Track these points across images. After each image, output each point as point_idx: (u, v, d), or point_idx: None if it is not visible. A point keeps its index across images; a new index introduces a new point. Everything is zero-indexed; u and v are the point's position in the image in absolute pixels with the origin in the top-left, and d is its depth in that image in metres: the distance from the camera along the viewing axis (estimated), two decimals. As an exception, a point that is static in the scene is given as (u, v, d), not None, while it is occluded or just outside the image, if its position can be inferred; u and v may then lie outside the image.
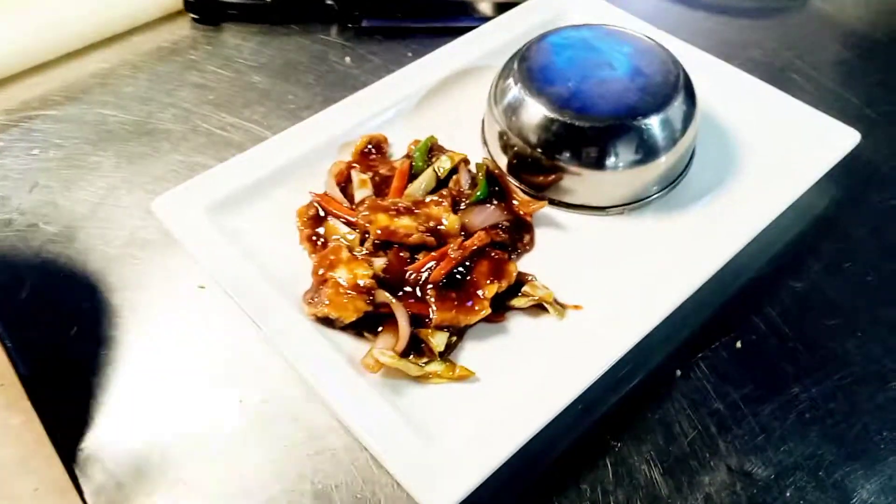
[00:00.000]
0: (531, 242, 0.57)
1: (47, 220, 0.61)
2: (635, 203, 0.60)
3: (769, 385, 0.51)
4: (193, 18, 0.81)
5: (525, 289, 0.53)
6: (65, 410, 0.49)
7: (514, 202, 0.59)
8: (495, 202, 0.58)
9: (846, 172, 0.62)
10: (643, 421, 0.49)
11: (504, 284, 0.52)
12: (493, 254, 0.53)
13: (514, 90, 0.60)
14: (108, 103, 0.71)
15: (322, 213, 0.58)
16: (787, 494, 0.46)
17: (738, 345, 0.53)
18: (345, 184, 0.60)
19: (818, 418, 0.49)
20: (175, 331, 0.54)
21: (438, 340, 0.49)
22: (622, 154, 0.57)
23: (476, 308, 0.50)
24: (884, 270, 0.57)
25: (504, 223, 0.56)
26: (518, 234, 0.57)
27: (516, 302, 0.52)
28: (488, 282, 0.52)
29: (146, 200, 0.60)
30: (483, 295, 0.51)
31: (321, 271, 0.52)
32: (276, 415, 0.49)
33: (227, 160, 0.61)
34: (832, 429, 0.49)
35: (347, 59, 0.77)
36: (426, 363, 0.49)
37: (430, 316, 0.50)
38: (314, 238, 0.57)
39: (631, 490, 0.46)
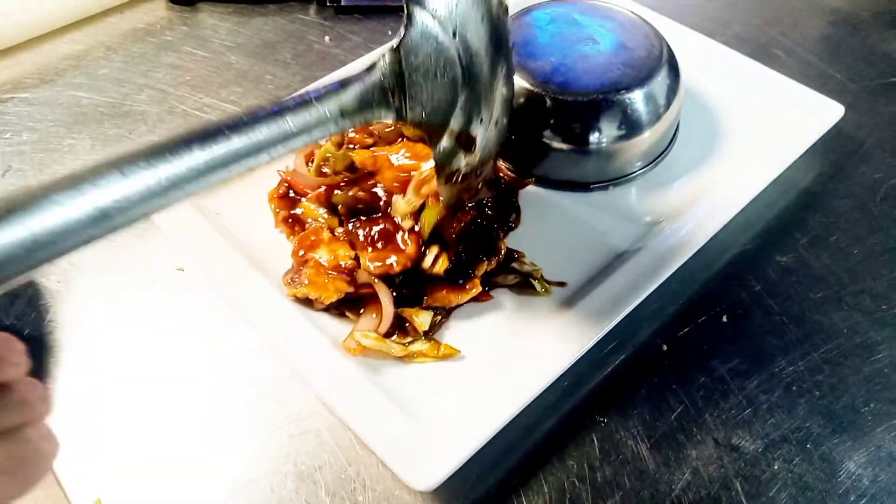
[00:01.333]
0: (517, 220, 0.56)
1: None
2: (619, 179, 0.60)
3: (756, 359, 0.50)
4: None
5: (513, 265, 0.52)
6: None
7: (501, 179, 0.58)
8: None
9: (830, 146, 0.62)
10: (630, 396, 0.48)
11: (494, 262, 0.51)
12: (481, 232, 0.53)
13: (496, 66, 0.59)
14: (83, 85, 0.70)
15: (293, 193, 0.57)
16: (775, 467, 0.45)
17: (725, 319, 0.52)
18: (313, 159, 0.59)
19: (805, 391, 0.49)
20: (154, 314, 0.53)
21: (423, 319, 0.48)
22: (606, 129, 0.57)
23: (467, 287, 0.50)
24: (869, 243, 0.57)
25: (489, 200, 0.55)
26: (505, 211, 0.56)
27: (502, 279, 0.51)
28: (480, 258, 0.51)
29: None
30: (473, 273, 0.50)
31: (301, 252, 0.51)
32: (258, 397, 0.48)
33: (205, 140, 0.59)
34: (819, 401, 0.48)
35: (327, 38, 0.76)
36: (410, 342, 0.48)
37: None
38: (290, 220, 0.56)
39: (618, 465, 0.45)
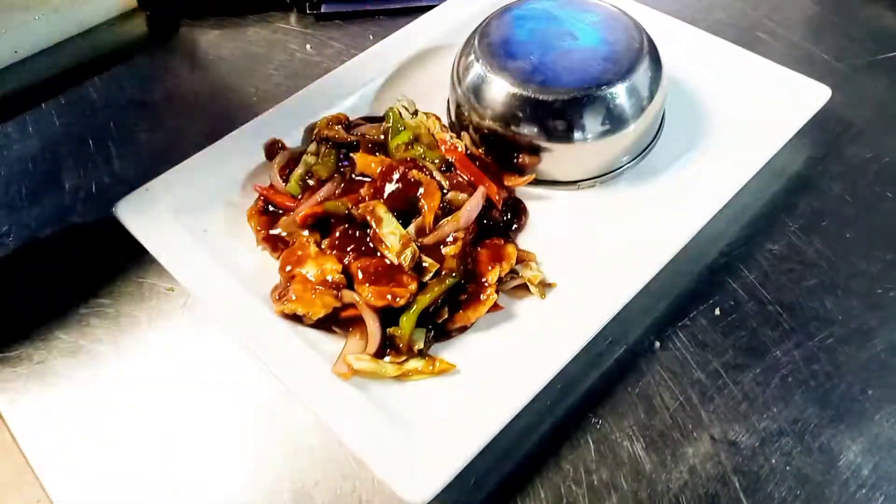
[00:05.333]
0: (525, 220, 0.56)
1: (6, 233, 0.59)
2: (607, 175, 0.59)
3: (750, 351, 0.50)
4: (148, 15, 0.79)
5: (516, 268, 0.52)
6: (42, 424, 0.48)
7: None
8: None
9: (818, 128, 0.61)
10: (624, 395, 0.48)
11: (506, 266, 0.51)
12: (488, 240, 0.53)
13: (477, 67, 0.58)
14: (64, 109, 0.70)
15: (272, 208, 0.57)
16: (773, 461, 0.45)
17: (717, 312, 0.52)
18: (290, 171, 0.58)
19: (801, 381, 0.48)
20: (145, 336, 0.52)
21: (417, 337, 0.48)
22: (590, 125, 0.56)
23: (482, 297, 0.49)
24: (860, 225, 0.57)
25: (496, 205, 0.55)
26: (512, 212, 0.56)
27: (502, 285, 0.51)
28: (490, 267, 0.50)
29: (109, 205, 0.58)
30: (488, 282, 0.50)
31: (288, 268, 0.51)
32: (251, 415, 0.48)
33: (190, 157, 0.59)
34: (816, 391, 0.48)
35: (308, 46, 0.75)
36: (404, 360, 0.47)
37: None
38: (272, 237, 0.55)
39: (614, 467, 0.45)
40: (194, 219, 0.56)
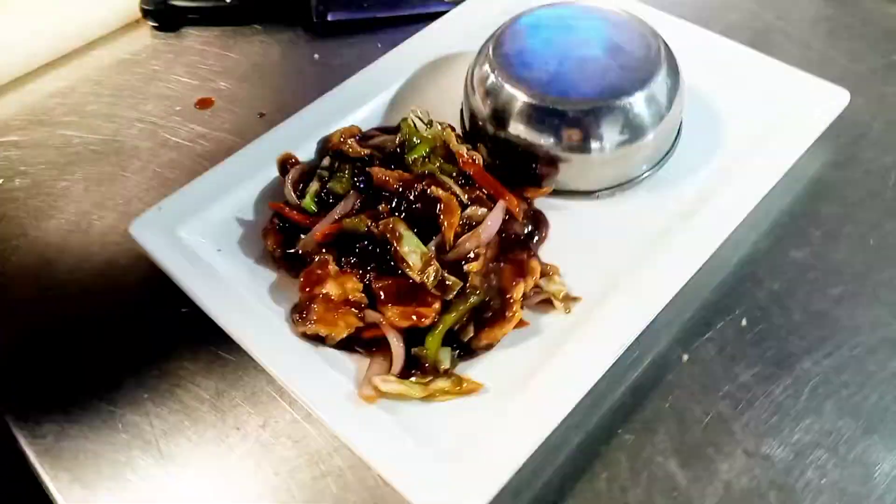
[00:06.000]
0: (547, 232, 0.56)
1: (18, 253, 0.58)
2: (625, 184, 0.58)
3: (779, 362, 0.49)
4: (153, 26, 0.78)
5: (540, 283, 0.51)
6: (53, 446, 0.47)
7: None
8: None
9: (837, 132, 0.60)
10: (654, 410, 0.47)
11: (530, 282, 0.50)
12: (511, 254, 0.52)
13: (492, 78, 0.57)
14: (72, 124, 0.69)
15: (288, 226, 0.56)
16: (808, 474, 0.44)
17: (744, 322, 0.51)
18: (304, 187, 0.57)
19: (832, 392, 0.48)
20: (160, 359, 0.51)
21: (443, 356, 0.47)
22: (609, 135, 0.55)
23: (507, 315, 0.48)
24: (884, 230, 0.56)
25: (516, 218, 0.54)
26: (534, 226, 0.55)
27: (527, 301, 0.50)
28: (514, 283, 0.49)
29: (121, 223, 0.58)
30: (513, 298, 0.49)
31: (308, 287, 0.50)
32: (275, 440, 0.47)
33: (202, 174, 0.58)
34: (847, 401, 0.47)
35: (316, 55, 0.74)
36: (430, 381, 0.47)
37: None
38: (289, 255, 0.54)
39: (648, 484, 0.45)
40: (208, 237, 0.55)
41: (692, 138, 0.61)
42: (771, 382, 0.48)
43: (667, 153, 0.60)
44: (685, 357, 0.50)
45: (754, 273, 0.54)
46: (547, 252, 0.55)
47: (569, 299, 0.51)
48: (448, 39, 0.69)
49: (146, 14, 0.78)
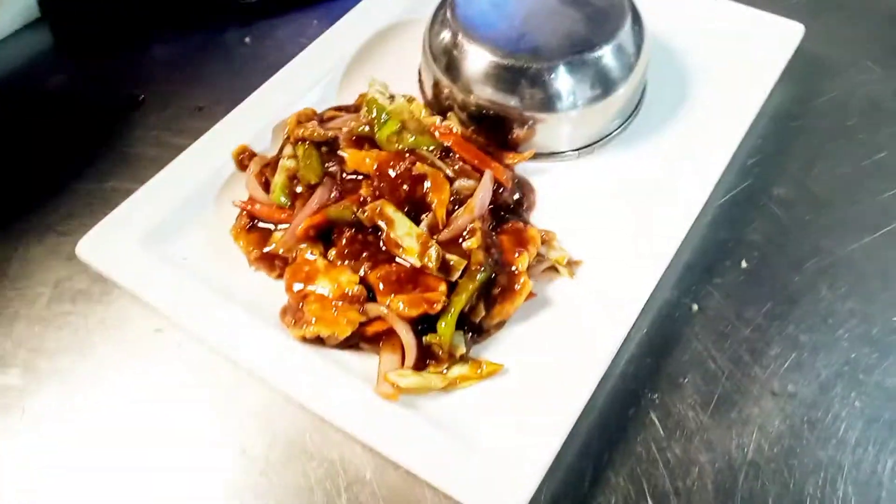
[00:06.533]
0: (534, 197, 0.53)
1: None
2: (602, 140, 0.57)
3: (786, 298, 0.49)
4: (52, 26, 0.69)
5: (541, 251, 0.48)
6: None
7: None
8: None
9: (793, 65, 0.61)
10: (676, 366, 0.46)
11: (533, 251, 0.47)
12: (506, 225, 0.49)
13: (455, 40, 0.54)
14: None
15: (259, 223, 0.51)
16: (836, 407, 0.44)
17: (744, 264, 0.51)
18: (267, 180, 0.53)
19: (841, 322, 0.48)
20: (140, 388, 0.46)
21: (459, 341, 0.44)
22: (583, 90, 0.53)
23: (516, 287, 0.46)
24: (858, 158, 0.57)
25: (502, 189, 0.51)
26: (521, 193, 0.53)
27: (531, 270, 0.48)
28: (517, 254, 0.47)
29: (65, 245, 0.51)
30: (518, 269, 0.46)
31: (297, 287, 0.46)
32: (288, 457, 0.43)
33: (149, 180, 0.52)
34: (857, 328, 0.48)
35: (246, 39, 0.69)
36: (448, 368, 0.44)
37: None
38: (267, 255, 0.50)
39: (685, 441, 0.43)
40: (169, 246, 0.50)
41: (657, 89, 0.60)
42: (783, 321, 0.48)
43: (637, 106, 0.59)
44: (695, 307, 0.49)
45: (742, 215, 0.54)
46: (535, 218, 0.53)
47: (571, 264, 0.49)
48: (392, 8, 0.65)
49: (45, 14, 0.70)
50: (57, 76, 0.66)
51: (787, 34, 0.60)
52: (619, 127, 0.58)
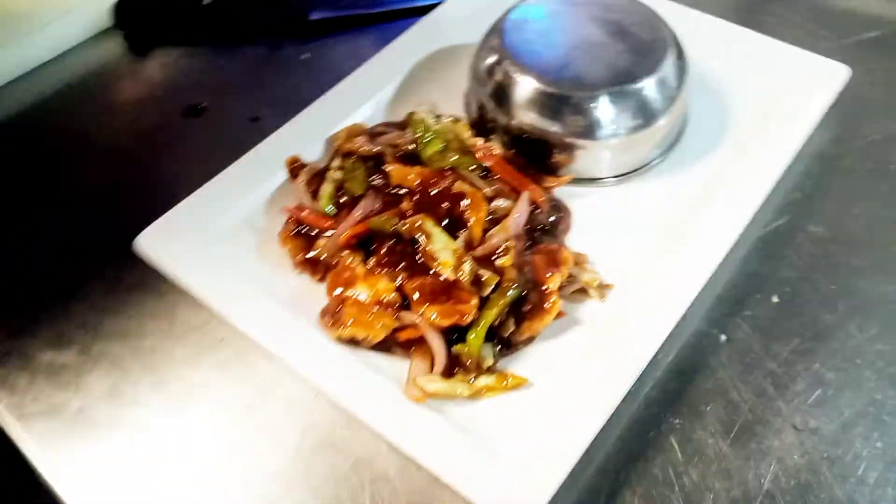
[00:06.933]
0: (569, 221, 0.55)
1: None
2: (640, 169, 0.58)
3: (815, 336, 0.50)
4: (125, 36, 0.74)
5: (573, 272, 0.50)
6: (87, 484, 0.45)
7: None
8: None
9: (837, 106, 0.61)
10: (700, 392, 0.47)
11: (565, 271, 0.49)
12: (541, 246, 0.51)
13: (500, 66, 0.56)
14: (48, 135, 0.65)
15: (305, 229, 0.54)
16: (857, 446, 0.45)
17: (775, 299, 0.51)
18: (316, 188, 0.56)
19: (869, 362, 0.48)
20: (183, 377, 0.49)
21: (487, 353, 0.46)
22: (623, 120, 0.55)
23: (546, 306, 0.47)
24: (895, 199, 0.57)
25: (539, 210, 0.53)
26: (558, 215, 0.54)
27: (562, 291, 0.49)
28: (549, 274, 0.48)
29: (125, 240, 0.55)
30: (549, 289, 0.48)
31: (337, 291, 0.48)
32: (317, 449, 0.45)
33: (206, 184, 0.56)
34: (885, 370, 0.48)
35: (302, 56, 0.72)
36: (475, 378, 0.45)
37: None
38: (310, 260, 0.52)
39: (702, 467, 0.44)
40: (220, 246, 0.53)
41: (699, 121, 0.61)
42: (810, 357, 0.49)
43: (677, 137, 0.60)
44: (723, 338, 0.50)
45: (776, 251, 0.54)
46: (570, 241, 0.54)
47: (602, 287, 0.50)
48: (444, 32, 0.68)
49: (119, 23, 0.74)
50: (126, 81, 0.70)
51: (831, 75, 0.61)
52: (659, 156, 0.59)
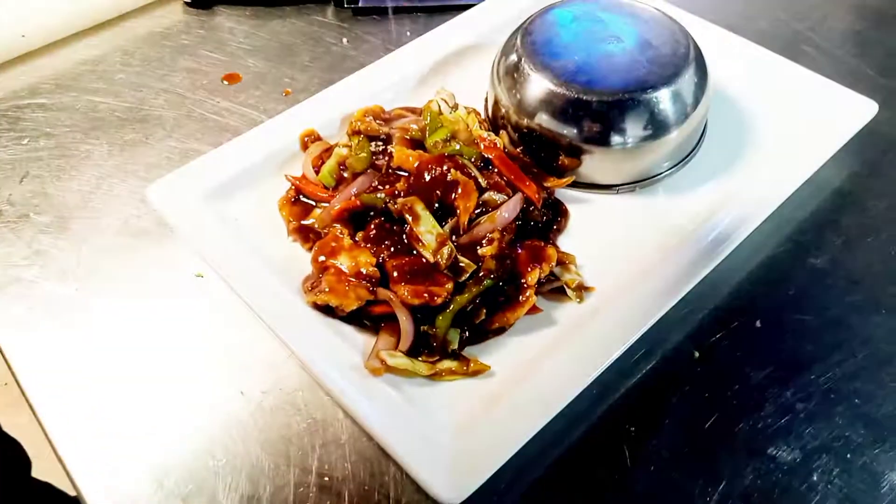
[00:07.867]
0: (566, 222, 0.56)
1: (38, 211, 0.59)
2: (646, 180, 0.58)
3: (791, 365, 0.49)
4: (185, 2, 0.78)
5: (555, 270, 0.50)
6: (63, 408, 0.48)
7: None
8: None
9: (863, 144, 0.60)
10: (661, 405, 0.47)
11: (546, 268, 0.50)
12: (528, 241, 0.52)
13: (519, 66, 0.57)
14: (99, 90, 0.69)
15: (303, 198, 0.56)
16: (814, 478, 0.44)
17: (758, 324, 0.51)
18: (321, 164, 0.58)
19: (843, 398, 0.47)
20: (172, 321, 0.52)
21: (452, 336, 0.47)
22: (633, 129, 0.55)
23: (521, 299, 0.48)
24: (905, 244, 0.55)
25: (533, 208, 0.54)
26: (554, 214, 0.55)
27: (541, 287, 0.50)
28: (530, 268, 0.49)
29: (140, 188, 0.58)
30: (527, 283, 0.49)
31: (322, 258, 0.50)
32: (277, 406, 0.47)
33: (220, 146, 0.59)
34: (858, 409, 0.47)
35: (345, 40, 0.75)
36: (437, 360, 0.46)
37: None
38: (304, 227, 0.54)
39: (650, 478, 0.44)
40: (225, 205, 0.56)
41: (716, 140, 0.61)
42: (781, 385, 0.48)
43: (690, 152, 0.60)
44: (696, 354, 0.49)
45: (772, 277, 0.54)
46: (565, 242, 0.55)
47: (582, 289, 0.51)
48: (477, 30, 0.69)
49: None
50: (179, 40, 0.74)
51: (857, 110, 0.59)
52: (668, 170, 0.59)
